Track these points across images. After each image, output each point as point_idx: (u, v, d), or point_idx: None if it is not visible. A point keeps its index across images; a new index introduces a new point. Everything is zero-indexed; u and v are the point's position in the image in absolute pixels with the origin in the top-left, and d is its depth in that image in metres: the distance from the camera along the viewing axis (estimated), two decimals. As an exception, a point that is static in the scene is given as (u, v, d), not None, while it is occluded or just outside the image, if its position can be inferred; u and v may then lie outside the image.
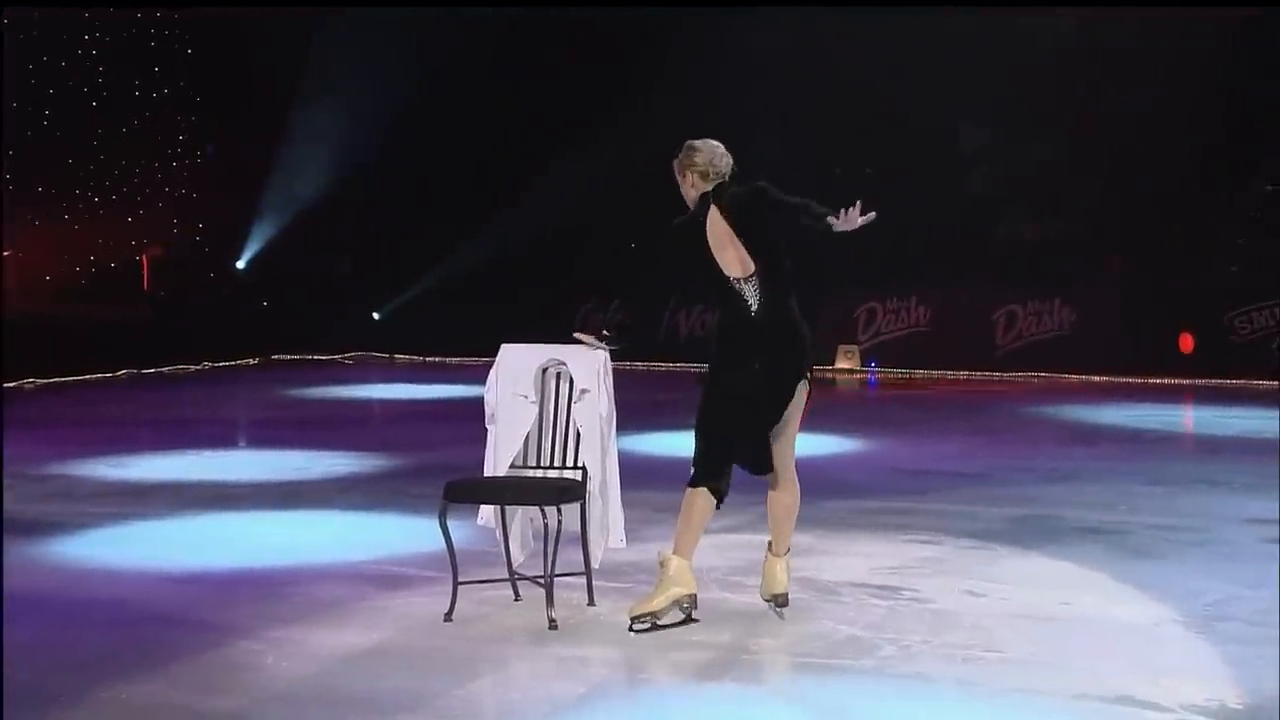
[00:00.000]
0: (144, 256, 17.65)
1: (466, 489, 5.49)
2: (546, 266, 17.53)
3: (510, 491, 5.48)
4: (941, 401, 14.01)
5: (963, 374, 16.22)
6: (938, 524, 7.29)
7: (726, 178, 5.24)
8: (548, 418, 5.62)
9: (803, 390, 5.24)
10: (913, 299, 16.94)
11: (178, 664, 4.87)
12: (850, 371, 16.70)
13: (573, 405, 5.58)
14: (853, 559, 6.46)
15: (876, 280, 17.21)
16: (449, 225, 17.85)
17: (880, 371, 16.64)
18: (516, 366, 5.64)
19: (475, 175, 17.81)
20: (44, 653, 4.98)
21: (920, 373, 16.35)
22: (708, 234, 5.17)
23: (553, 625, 5.23)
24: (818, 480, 8.71)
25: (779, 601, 5.42)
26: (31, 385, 14.00)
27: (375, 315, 18.46)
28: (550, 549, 5.32)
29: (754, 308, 5.16)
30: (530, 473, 5.59)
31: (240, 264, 18.55)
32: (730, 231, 5.15)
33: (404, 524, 7.17)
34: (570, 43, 17.63)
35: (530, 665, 4.89)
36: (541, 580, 5.39)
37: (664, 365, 16.90)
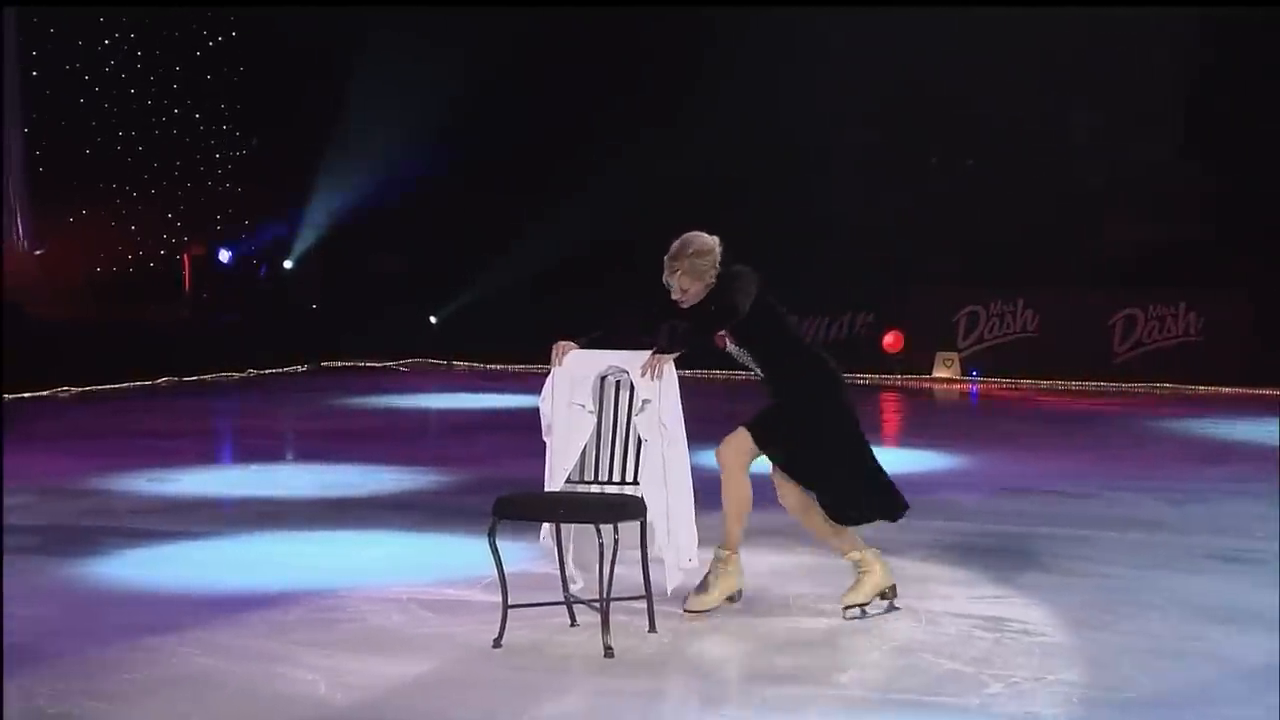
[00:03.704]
0: (185, 255, 17.93)
1: (518, 505, 5.52)
2: (620, 265, 17.54)
3: (564, 508, 5.50)
4: (1051, 415, 13.85)
5: (1075, 384, 16.03)
6: (1048, 549, 7.21)
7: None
8: (606, 429, 5.65)
9: None
10: (1019, 302, 16.77)
11: (224, 694, 4.94)
12: (949, 381, 16.57)
13: (634, 416, 5.60)
14: (954, 586, 6.40)
15: (979, 281, 17.07)
16: (512, 221, 17.95)
17: (983, 381, 16.48)
18: (574, 374, 5.65)
19: (542, 167, 17.90)
20: (78, 679, 5.06)
21: (1027, 383, 16.18)
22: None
23: (609, 653, 5.25)
24: (914, 501, 8.66)
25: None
26: (66, 394, 14.27)
27: (432, 319, 18.60)
28: (607, 570, 5.31)
29: None
30: (586, 488, 5.61)
31: (288, 263, 18.79)
32: None
33: (463, 544, 7.20)
34: (644, 36, 17.68)
35: (596, 701, 4.90)
36: (597, 604, 5.40)
37: (742, 375, 16.86)
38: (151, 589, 6.43)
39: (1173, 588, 6.43)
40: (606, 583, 5.32)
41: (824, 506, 5.82)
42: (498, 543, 5.42)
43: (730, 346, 5.87)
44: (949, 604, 6.05)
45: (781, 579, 6.49)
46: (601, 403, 5.67)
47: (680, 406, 5.65)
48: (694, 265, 5.78)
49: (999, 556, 7.03)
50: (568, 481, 5.63)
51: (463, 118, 17.85)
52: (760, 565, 6.81)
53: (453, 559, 6.94)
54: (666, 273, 5.82)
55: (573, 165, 17.68)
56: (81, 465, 9.85)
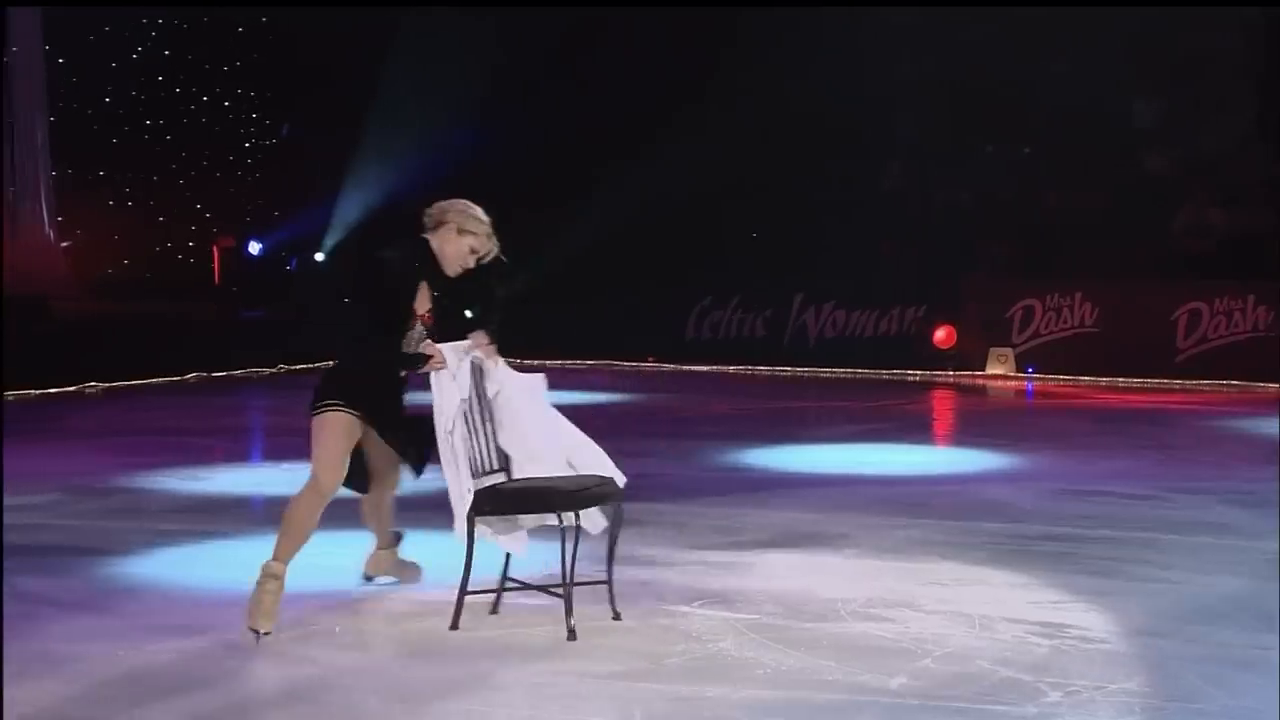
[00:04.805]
0: (215, 247, 18.07)
1: (503, 500, 5.74)
2: (654, 260, 17.56)
3: (554, 497, 5.70)
4: (1111, 413, 13.76)
5: (1136, 382, 15.91)
6: (1109, 552, 7.17)
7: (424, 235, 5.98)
8: (484, 417, 5.87)
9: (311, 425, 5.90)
10: (1077, 295, 16.65)
11: (254, 696, 4.98)
12: (1004, 378, 16.49)
13: (510, 395, 5.89)
14: (1010, 590, 6.38)
15: (1034, 274, 16.96)
16: (545, 212, 17.97)
17: (1038, 378, 16.39)
18: (457, 370, 5.80)
19: (575, 159, 17.92)
20: (106, 683, 5.12)
21: (1086, 380, 16.08)
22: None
23: (617, 618, 5.70)
24: (969, 501, 8.66)
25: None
26: (94, 390, 14.41)
27: (467, 314, 18.66)
28: (610, 555, 5.72)
29: None
30: (490, 478, 5.84)
31: (319, 256, 18.90)
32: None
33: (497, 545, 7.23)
34: (690, 20, 17.67)
35: (647, 708, 4.90)
36: (559, 590, 5.64)
37: (788, 369, 16.86)
38: (181, 589, 6.49)
39: (1241, 594, 6.37)
40: (570, 568, 5.60)
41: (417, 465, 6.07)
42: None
43: (420, 327, 5.93)
44: (1005, 609, 6.02)
45: (827, 582, 6.48)
46: (473, 392, 5.86)
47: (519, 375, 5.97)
48: None
49: (1057, 560, 6.99)
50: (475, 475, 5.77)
51: (497, 107, 17.88)
52: (806, 567, 6.82)
53: (487, 560, 6.95)
54: (496, 247, 5.99)
55: (610, 155, 17.68)
56: (110, 463, 9.95)
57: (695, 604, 6.03)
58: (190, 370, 15.66)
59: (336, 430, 5.80)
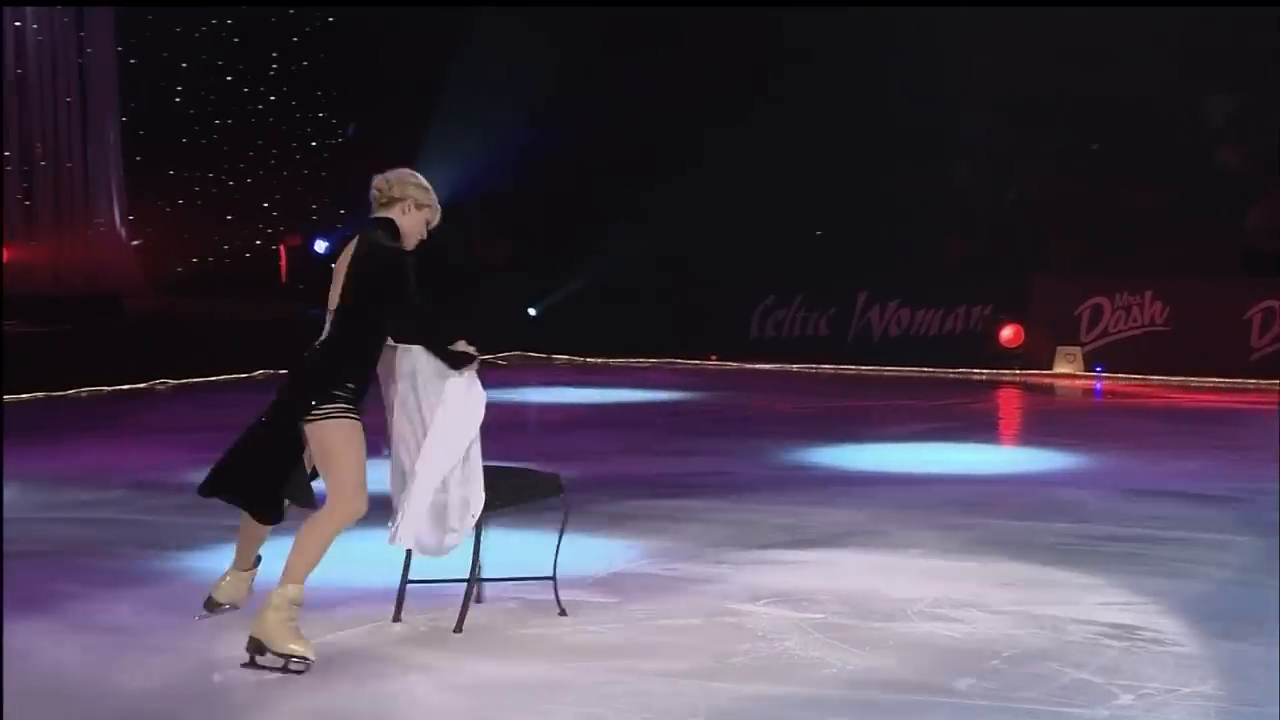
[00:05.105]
0: (281, 246, 18.24)
1: (507, 491, 5.86)
2: (717, 258, 17.52)
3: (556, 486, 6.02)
4: (1183, 413, 13.58)
5: (1208, 381, 15.69)
6: (1181, 554, 7.09)
7: (378, 212, 5.61)
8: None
9: (310, 432, 5.38)
10: (1147, 294, 16.44)
11: (321, 691, 5.01)
12: (1071, 377, 16.32)
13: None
14: (1080, 592, 6.31)
15: (1103, 271, 16.78)
16: (614, 210, 17.99)
17: (1107, 378, 16.21)
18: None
19: (644, 157, 17.93)
20: (176, 675, 5.18)
21: (1157, 379, 15.87)
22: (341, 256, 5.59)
23: (562, 613, 5.79)
24: (1037, 502, 8.58)
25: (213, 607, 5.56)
26: (164, 386, 14.60)
27: (531, 311, 18.72)
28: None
29: (317, 342, 5.55)
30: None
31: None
32: (348, 264, 5.53)
33: (566, 543, 7.24)
34: (755, 17, 17.63)
35: (724, 706, 4.89)
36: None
37: (852, 368, 16.77)
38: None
39: (1317, 597, 6.26)
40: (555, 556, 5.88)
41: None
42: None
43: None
44: (1075, 610, 5.96)
45: (893, 581, 6.44)
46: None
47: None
48: None
49: (1128, 561, 6.90)
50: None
51: (562, 106, 17.91)
52: (871, 567, 6.78)
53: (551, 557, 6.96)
54: (440, 219, 5.72)
55: (674, 154, 17.67)
56: (180, 459, 10.04)
57: (760, 602, 6.01)
58: (258, 367, 15.81)
59: (359, 441, 5.36)
